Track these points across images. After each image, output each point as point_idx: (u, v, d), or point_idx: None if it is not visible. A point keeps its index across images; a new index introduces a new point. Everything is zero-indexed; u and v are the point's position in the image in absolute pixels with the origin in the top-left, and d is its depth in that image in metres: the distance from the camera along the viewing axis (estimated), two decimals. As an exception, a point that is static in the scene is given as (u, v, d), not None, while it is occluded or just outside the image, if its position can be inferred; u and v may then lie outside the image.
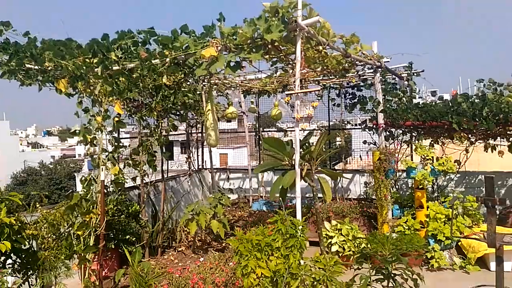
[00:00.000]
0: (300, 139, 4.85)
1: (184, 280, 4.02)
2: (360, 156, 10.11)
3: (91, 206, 4.09)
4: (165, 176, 8.65)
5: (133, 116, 4.94)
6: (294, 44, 4.04)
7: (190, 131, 8.34)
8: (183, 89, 5.75)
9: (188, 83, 5.64)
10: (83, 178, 4.24)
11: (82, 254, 3.71)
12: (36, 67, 4.83)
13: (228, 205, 5.27)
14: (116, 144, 4.58)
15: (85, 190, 4.14)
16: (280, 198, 5.22)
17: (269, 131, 14.79)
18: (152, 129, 4.91)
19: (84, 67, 4.57)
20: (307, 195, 7.59)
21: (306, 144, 4.80)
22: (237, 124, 19.42)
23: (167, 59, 4.32)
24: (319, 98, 6.84)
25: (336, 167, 11.57)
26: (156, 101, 4.70)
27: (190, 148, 9.38)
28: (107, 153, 4.29)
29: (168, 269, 4.31)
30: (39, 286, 3.96)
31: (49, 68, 4.83)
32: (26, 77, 5.02)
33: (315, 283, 3.42)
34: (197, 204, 5.06)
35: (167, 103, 5.19)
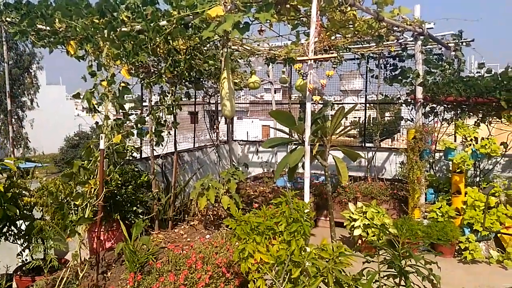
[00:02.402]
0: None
1: (184, 258, 3.79)
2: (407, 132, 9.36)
3: (91, 176, 3.91)
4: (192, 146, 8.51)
5: (142, 82, 4.65)
6: (311, 2, 3.53)
7: (209, 101, 8.01)
8: (200, 54, 5.39)
9: (206, 48, 5.27)
10: (85, 146, 4.04)
11: (74, 226, 3.55)
12: (48, 28, 4.66)
13: (242, 180, 4.95)
14: (122, 112, 4.34)
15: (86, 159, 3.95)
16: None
17: (313, 103, 14.25)
18: (162, 97, 4.61)
19: (92, 28, 4.33)
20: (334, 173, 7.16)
21: (321, 119, 4.32)
22: (281, 96, 19.08)
23: (174, 20, 3.95)
24: (335, 66, 6.20)
25: (382, 144, 10.94)
26: (166, 66, 4.38)
27: (218, 119, 9.09)
28: (111, 120, 4.06)
29: (169, 245, 4.10)
30: (37, 254, 3.88)
31: (60, 29, 4.63)
32: (37, 38, 4.86)
33: (318, 274, 3.06)
34: (207, 178, 4.78)
35: (181, 69, 4.86)
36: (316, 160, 4.44)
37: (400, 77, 7.39)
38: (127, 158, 4.38)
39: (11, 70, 31.69)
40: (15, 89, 32.70)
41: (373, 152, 8.09)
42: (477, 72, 6.97)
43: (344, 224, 5.79)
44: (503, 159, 6.76)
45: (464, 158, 5.58)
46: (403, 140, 11.50)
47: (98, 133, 4.08)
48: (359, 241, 5.63)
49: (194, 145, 8.60)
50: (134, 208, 4.64)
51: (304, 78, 4.99)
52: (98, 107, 4.17)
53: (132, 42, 4.28)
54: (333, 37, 5.91)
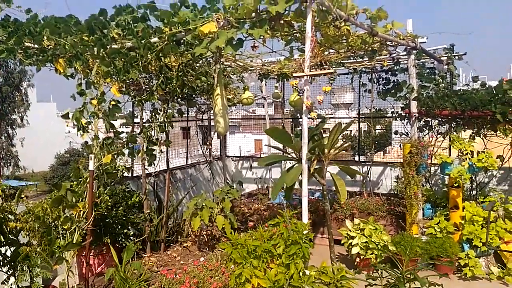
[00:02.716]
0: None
1: (177, 283, 3.62)
2: (400, 146, 9.34)
3: (80, 198, 3.76)
4: (185, 163, 8.36)
5: (133, 99, 4.53)
6: (305, 17, 3.47)
7: (202, 117, 7.90)
8: (192, 71, 5.32)
9: (198, 65, 5.18)
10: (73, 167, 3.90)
11: (61, 252, 3.38)
12: (36, 45, 4.55)
13: (236, 198, 4.82)
14: (113, 130, 4.21)
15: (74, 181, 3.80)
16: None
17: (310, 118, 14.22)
18: (153, 114, 4.50)
19: (81, 46, 4.22)
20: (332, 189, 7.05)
21: (318, 135, 4.22)
22: (273, 110, 19.11)
23: (165, 37, 3.86)
24: (331, 81, 6.16)
25: (374, 157, 10.88)
26: (158, 83, 4.28)
27: (211, 135, 8.98)
28: (101, 140, 3.94)
29: (161, 270, 3.94)
30: (23, 283, 3.69)
31: (49, 47, 4.52)
32: (25, 56, 4.74)
33: (319, 299, 2.93)
34: (200, 198, 4.64)
35: (173, 86, 4.77)
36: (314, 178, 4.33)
37: (393, 91, 7.38)
38: (118, 178, 4.23)
39: (1, 87, 31.43)
40: (5, 107, 32.38)
41: (368, 167, 8.01)
42: (465, 85, 6.99)
43: (342, 242, 5.67)
44: (498, 172, 6.71)
45: (461, 172, 5.51)
46: (395, 153, 11.48)
47: (88, 152, 3.95)
48: (357, 259, 5.51)
49: (186, 162, 8.46)
50: (125, 230, 4.47)
51: (300, 94, 4.92)
52: (88, 126, 4.05)
53: (122, 59, 4.18)
54: (326, 52, 5.87)
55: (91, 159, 3.63)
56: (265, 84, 7.84)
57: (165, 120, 4.45)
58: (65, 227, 3.59)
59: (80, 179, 3.81)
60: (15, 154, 33.30)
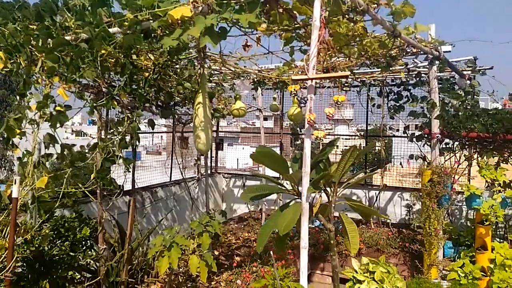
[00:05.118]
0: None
1: None
2: (401, 164, 8.48)
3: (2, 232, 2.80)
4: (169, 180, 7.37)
5: (87, 104, 3.56)
6: (311, 4, 2.55)
7: (182, 130, 6.94)
8: (175, 75, 4.41)
9: (179, 67, 4.26)
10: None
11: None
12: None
13: (218, 232, 3.85)
14: (61, 144, 3.27)
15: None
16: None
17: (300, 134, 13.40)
18: (112, 124, 3.55)
19: (24, 35, 3.30)
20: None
21: (324, 161, 3.23)
22: (273, 123, 18.51)
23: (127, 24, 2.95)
24: (346, 89, 5.22)
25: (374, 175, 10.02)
26: (120, 86, 3.35)
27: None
28: (35, 156, 2.99)
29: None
30: None
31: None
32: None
33: None
34: (170, 232, 3.67)
35: (145, 91, 3.83)
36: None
37: (407, 106, 6.52)
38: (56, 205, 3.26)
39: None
40: (1, 110, 31.43)
41: (377, 192, 7.06)
42: (494, 102, 6.08)
43: (347, 286, 4.67)
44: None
45: (494, 208, 4.54)
46: (394, 172, 10.54)
47: (20, 172, 2.99)
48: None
49: (170, 179, 7.49)
50: (71, 272, 3.49)
51: (301, 104, 3.99)
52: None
53: (74, 53, 3.25)
54: (334, 59, 4.95)
55: (15, 183, 2.67)
56: (261, 94, 6.92)
57: (131, 131, 3.51)
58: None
59: (5, 209, 2.84)
60: (10, 158, 32.19)
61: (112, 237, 4.41)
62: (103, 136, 3.74)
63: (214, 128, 9.10)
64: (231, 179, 8.95)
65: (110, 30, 3.11)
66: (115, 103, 3.36)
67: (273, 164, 3.20)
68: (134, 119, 3.60)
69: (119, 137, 3.42)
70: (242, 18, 2.45)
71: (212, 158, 9.12)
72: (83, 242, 3.74)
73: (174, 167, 7.59)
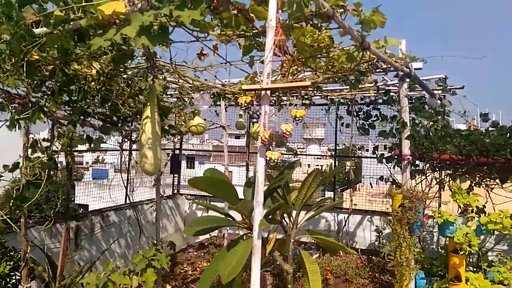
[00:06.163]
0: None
1: None
2: (371, 184, 8.26)
3: None
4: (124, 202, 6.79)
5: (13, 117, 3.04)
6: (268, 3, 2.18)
7: (130, 147, 6.43)
8: (127, 87, 3.95)
9: (125, 76, 3.80)
10: None
11: None
12: None
13: (164, 267, 3.34)
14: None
15: None
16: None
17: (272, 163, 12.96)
18: (38, 141, 3.03)
19: None
20: (300, 240, 5.65)
21: (283, 187, 2.79)
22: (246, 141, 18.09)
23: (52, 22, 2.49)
24: (306, 107, 4.87)
25: (344, 195, 9.76)
26: (48, 97, 2.86)
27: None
28: None
29: None
30: None
31: None
32: None
33: None
34: (107, 268, 3.13)
35: (87, 103, 3.35)
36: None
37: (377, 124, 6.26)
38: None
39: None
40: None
41: (345, 216, 6.70)
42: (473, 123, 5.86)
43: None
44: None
45: (469, 236, 4.23)
46: (364, 191, 10.38)
47: None
48: None
49: (125, 201, 6.89)
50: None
51: (253, 120, 3.60)
52: None
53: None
54: (300, 75, 4.60)
55: None
56: (225, 110, 6.50)
57: (62, 149, 3.00)
58: None
59: None
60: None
61: (45, 271, 3.81)
62: (30, 155, 3.18)
63: (178, 146, 8.60)
64: (194, 201, 8.42)
65: (38, 30, 2.63)
66: (42, 116, 2.85)
67: (218, 192, 2.73)
68: (67, 135, 3.08)
69: (46, 157, 2.90)
70: (184, 15, 2.04)
71: (175, 178, 8.59)
72: (7, 279, 3.15)
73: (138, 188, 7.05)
